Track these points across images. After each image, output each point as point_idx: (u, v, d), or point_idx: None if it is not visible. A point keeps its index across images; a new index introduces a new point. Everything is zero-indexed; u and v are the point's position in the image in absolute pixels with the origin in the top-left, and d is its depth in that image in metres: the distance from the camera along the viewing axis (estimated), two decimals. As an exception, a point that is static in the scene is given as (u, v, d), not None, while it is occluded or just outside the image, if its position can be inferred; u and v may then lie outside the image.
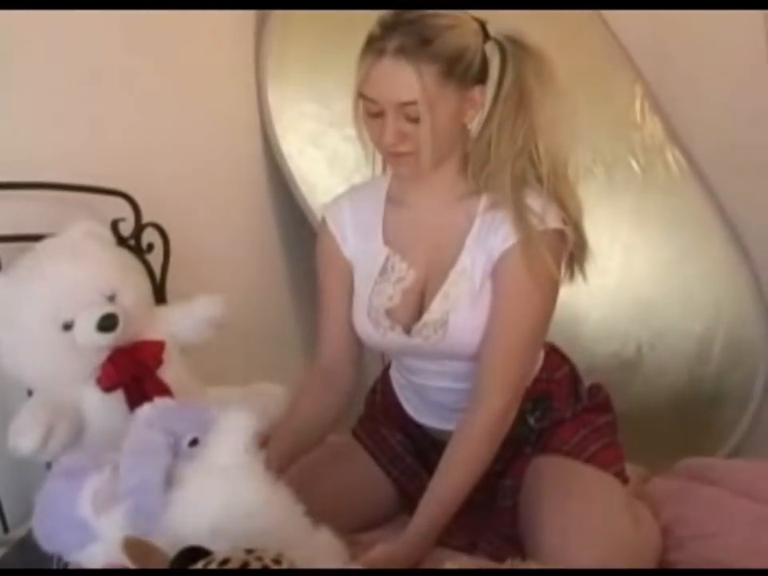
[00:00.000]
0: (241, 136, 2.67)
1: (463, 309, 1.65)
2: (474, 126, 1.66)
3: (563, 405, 1.75)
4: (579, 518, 1.55)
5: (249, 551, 1.15)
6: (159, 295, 2.25)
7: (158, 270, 2.26)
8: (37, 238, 1.96)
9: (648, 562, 1.58)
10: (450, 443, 1.65)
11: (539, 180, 1.62)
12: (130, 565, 1.29)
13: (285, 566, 1.13)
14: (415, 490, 1.81)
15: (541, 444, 1.74)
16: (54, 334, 1.84)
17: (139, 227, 2.20)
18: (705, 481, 1.78)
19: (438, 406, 1.79)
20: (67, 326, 1.84)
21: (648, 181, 2.72)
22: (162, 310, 2.09)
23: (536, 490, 1.64)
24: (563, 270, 1.68)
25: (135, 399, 1.90)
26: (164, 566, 1.24)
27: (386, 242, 1.72)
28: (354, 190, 1.82)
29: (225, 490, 1.43)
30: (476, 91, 1.61)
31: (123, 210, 2.18)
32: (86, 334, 1.84)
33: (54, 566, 1.67)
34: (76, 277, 1.86)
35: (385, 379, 1.92)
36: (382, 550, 1.54)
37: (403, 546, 1.56)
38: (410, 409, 1.85)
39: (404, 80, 1.54)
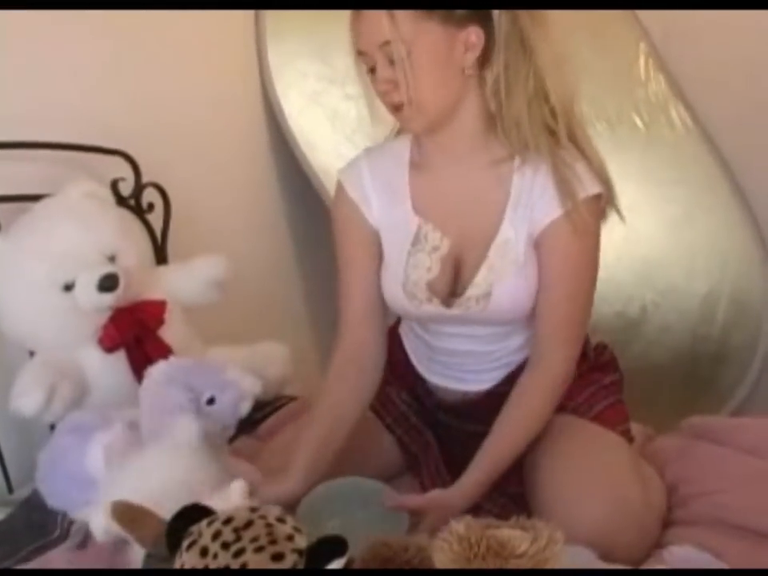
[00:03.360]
0: (241, 95, 2.65)
1: (508, 280, 1.62)
2: (490, 83, 1.59)
3: None
4: (585, 476, 1.54)
5: (253, 509, 1.14)
6: (160, 256, 2.24)
7: (158, 231, 2.25)
8: (35, 198, 1.95)
9: (653, 521, 1.57)
10: (511, 399, 1.64)
11: (554, 123, 1.58)
12: (120, 530, 1.28)
13: (288, 525, 1.12)
14: (419, 450, 1.81)
15: None
16: (55, 295, 1.83)
17: (139, 187, 2.19)
18: (710, 439, 1.77)
19: (452, 366, 1.77)
20: (68, 287, 1.83)
21: (652, 138, 2.70)
22: (163, 270, 2.08)
23: (542, 448, 1.62)
24: None
25: (137, 360, 1.91)
26: (158, 529, 1.23)
27: (416, 210, 1.67)
28: (370, 153, 1.73)
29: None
30: (471, 32, 1.54)
31: (123, 170, 2.16)
32: (87, 295, 1.83)
33: (59, 524, 1.67)
34: (76, 237, 1.85)
35: (392, 337, 1.90)
36: (438, 494, 1.55)
37: (457, 494, 1.56)
38: (420, 367, 1.83)
39: (376, 21, 1.51)
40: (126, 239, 1.93)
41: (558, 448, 1.61)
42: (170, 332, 1.96)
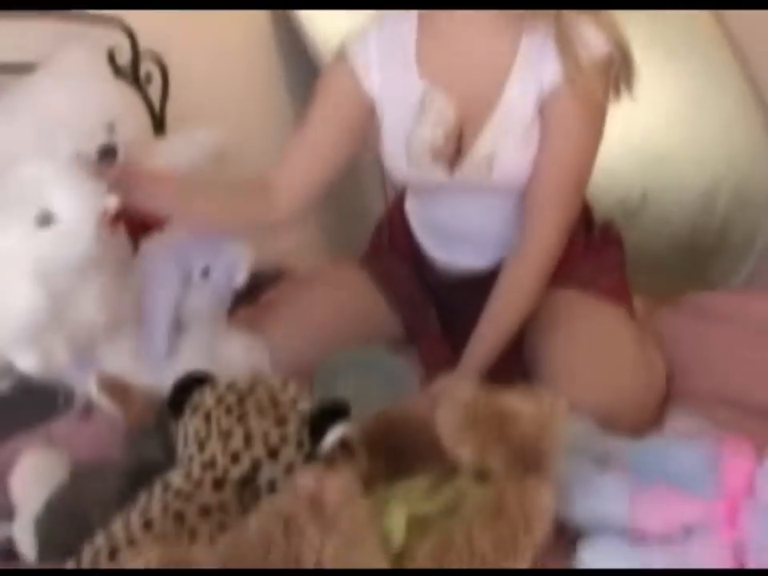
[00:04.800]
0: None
1: (511, 144, 1.59)
2: None
3: (576, 228, 1.71)
4: (588, 359, 1.54)
5: (255, 376, 1.13)
6: (158, 129, 2.20)
7: (156, 104, 2.20)
8: (27, 67, 1.87)
9: (654, 403, 1.57)
10: (499, 282, 1.63)
11: None
12: (107, 404, 1.28)
13: (291, 389, 1.12)
14: (421, 323, 1.81)
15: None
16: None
17: (136, 56, 2.13)
18: (713, 317, 1.77)
19: (454, 239, 1.76)
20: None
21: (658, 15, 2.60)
22: (161, 143, 2.04)
23: (544, 323, 1.62)
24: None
25: (136, 230, 1.88)
26: (142, 405, 1.23)
27: (422, 74, 1.63)
28: (380, 21, 1.68)
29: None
30: None
31: (118, 40, 2.10)
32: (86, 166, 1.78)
33: (60, 402, 1.67)
34: (72, 106, 1.79)
35: (392, 216, 1.88)
36: (443, 382, 1.55)
37: (462, 375, 1.56)
38: (423, 241, 1.82)
39: None
40: (124, 108, 1.87)
41: (560, 325, 1.60)
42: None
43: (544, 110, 1.57)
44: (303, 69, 2.60)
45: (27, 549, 1.23)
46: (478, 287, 1.74)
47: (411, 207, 1.86)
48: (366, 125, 1.68)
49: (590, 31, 1.54)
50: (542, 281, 1.62)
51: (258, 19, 2.59)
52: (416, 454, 1.15)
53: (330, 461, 1.08)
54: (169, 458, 1.23)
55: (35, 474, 1.23)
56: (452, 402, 1.04)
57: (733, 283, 2.65)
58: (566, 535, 1.16)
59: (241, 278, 1.65)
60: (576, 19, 1.54)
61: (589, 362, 1.53)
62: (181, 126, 2.17)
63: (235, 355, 1.62)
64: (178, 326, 1.61)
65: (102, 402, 1.29)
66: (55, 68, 1.84)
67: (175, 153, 1.99)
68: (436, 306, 1.82)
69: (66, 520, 1.20)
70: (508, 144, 1.59)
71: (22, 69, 1.87)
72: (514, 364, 1.63)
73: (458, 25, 1.59)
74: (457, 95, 1.61)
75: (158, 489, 1.09)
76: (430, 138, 1.62)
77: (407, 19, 1.64)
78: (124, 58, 2.11)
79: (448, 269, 1.81)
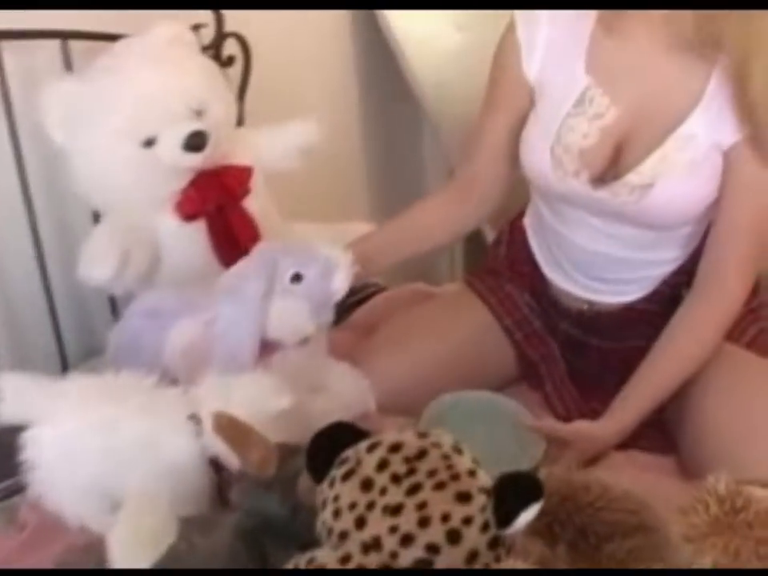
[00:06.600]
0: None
1: (676, 178, 1.41)
2: None
3: None
4: (753, 414, 1.37)
5: (422, 435, 0.93)
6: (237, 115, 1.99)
7: (235, 89, 2.00)
8: (113, 38, 1.69)
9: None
10: (677, 326, 1.46)
11: None
12: (223, 448, 1.08)
13: (467, 457, 0.91)
14: (541, 359, 1.62)
15: None
16: (133, 149, 1.59)
17: (221, 35, 1.93)
18: None
19: (582, 268, 1.57)
20: (149, 142, 1.59)
21: None
22: (251, 133, 1.83)
23: (697, 378, 1.44)
24: None
25: (218, 230, 1.70)
26: (265, 451, 1.03)
27: (589, 70, 1.45)
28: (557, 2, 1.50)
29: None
30: None
31: (201, 17, 1.89)
32: (172, 152, 1.59)
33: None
34: (162, 85, 1.60)
35: (513, 229, 1.68)
36: (587, 425, 1.41)
37: (610, 427, 1.41)
38: (545, 266, 1.63)
39: None
40: (215, 92, 1.68)
41: (718, 380, 1.42)
42: (254, 202, 1.74)
43: (727, 161, 1.41)
44: (383, 63, 2.43)
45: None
46: (604, 324, 1.58)
47: (532, 224, 1.65)
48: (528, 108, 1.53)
49: None
50: (724, 327, 1.46)
51: (342, 15, 2.41)
52: (603, 531, 0.95)
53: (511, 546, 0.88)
54: (292, 517, 1.04)
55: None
56: (703, 495, 0.83)
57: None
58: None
59: (340, 285, 1.43)
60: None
61: (754, 424, 1.36)
62: (258, 115, 1.98)
63: (340, 388, 1.43)
64: (267, 347, 1.40)
65: (218, 445, 1.09)
66: (144, 41, 1.66)
67: (266, 144, 1.80)
68: (559, 339, 1.62)
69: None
70: (673, 177, 1.41)
71: (106, 38, 1.70)
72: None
73: (649, 29, 1.40)
74: (625, 105, 1.43)
75: (302, 565, 0.89)
76: (584, 133, 1.44)
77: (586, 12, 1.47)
78: (207, 37, 1.91)
79: (569, 299, 1.61)
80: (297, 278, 1.40)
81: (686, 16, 1.33)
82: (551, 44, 1.47)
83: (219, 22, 1.93)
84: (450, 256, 2.67)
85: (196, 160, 1.61)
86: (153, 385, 1.21)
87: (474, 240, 2.26)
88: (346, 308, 1.76)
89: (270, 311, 1.37)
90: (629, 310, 1.56)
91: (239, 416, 1.10)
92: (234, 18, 1.95)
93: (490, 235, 2.05)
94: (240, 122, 1.99)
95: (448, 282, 2.46)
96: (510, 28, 1.51)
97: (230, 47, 1.97)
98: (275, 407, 1.17)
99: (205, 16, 1.91)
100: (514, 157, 1.55)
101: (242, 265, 1.42)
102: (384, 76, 2.47)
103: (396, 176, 2.65)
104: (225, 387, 1.19)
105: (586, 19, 1.45)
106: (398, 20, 2.35)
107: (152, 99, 1.58)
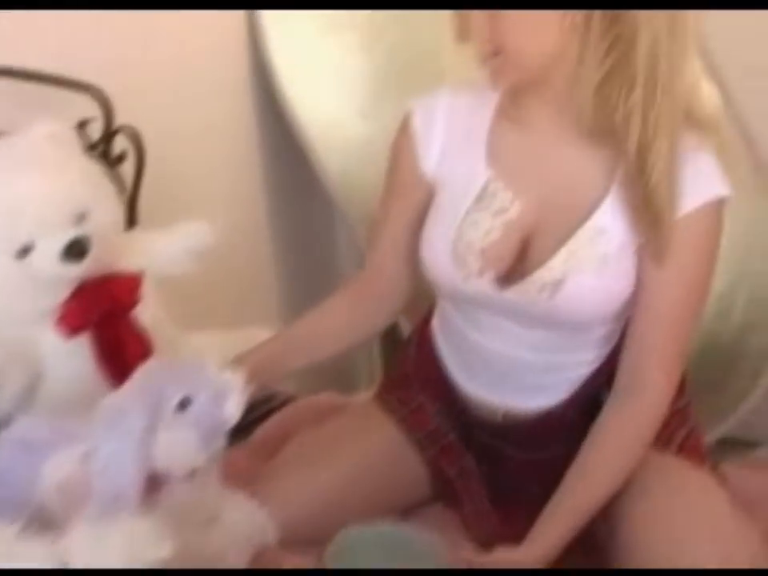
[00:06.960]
0: (227, 36, 2.30)
1: (588, 272, 1.34)
2: None
3: None
4: (688, 534, 1.29)
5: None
6: (129, 216, 1.87)
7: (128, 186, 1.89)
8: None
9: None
10: (596, 436, 1.37)
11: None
12: None
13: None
14: (456, 475, 1.51)
15: None
16: (6, 260, 1.47)
17: (110, 131, 1.82)
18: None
19: (494, 375, 1.47)
20: (24, 251, 1.46)
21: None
22: (142, 236, 1.72)
23: (628, 493, 1.35)
24: None
25: (104, 345, 1.56)
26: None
27: (490, 163, 1.39)
28: (455, 89, 1.46)
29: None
30: None
31: (90, 110, 1.80)
32: (48, 263, 1.46)
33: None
34: (37, 189, 1.48)
35: (423, 328, 1.59)
36: (508, 554, 1.30)
37: (531, 554, 1.30)
38: (455, 372, 1.53)
39: None
40: (98, 195, 1.56)
41: (650, 497, 1.33)
42: (145, 312, 1.61)
43: (638, 256, 1.36)
44: (287, 153, 2.39)
45: None
46: (522, 434, 1.48)
47: (443, 324, 1.56)
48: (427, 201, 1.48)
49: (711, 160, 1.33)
50: (652, 431, 1.38)
51: (243, 102, 2.37)
52: None
53: None
54: None
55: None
56: None
57: (754, 394, 2.42)
58: None
59: (232, 411, 1.31)
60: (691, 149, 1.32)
61: (694, 531, 1.29)
62: (153, 215, 1.88)
63: (236, 520, 1.30)
64: (153, 482, 1.26)
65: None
66: (19, 141, 1.55)
67: (156, 249, 1.68)
68: (475, 451, 1.52)
69: None
70: (584, 273, 1.34)
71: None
72: None
73: (550, 118, 1.36)
74: (528, 199, 1.37)
75: None
76: (483, 235, 1.37)
77: (486, 97, 1.42)
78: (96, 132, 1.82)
79: (482, 408, 1.51)
80: (184, 404, 1.28)
81: (585, 104, 1.29)
82: (450, 135, 1.42)
83: (108, 115, 1.82)
84: (367, 353, 2.57)
85: (76, 270, 1.49)
86: (14, 535, 1.07)
87: (390, 336, 2.17)
88: (246, 424, 1.64)
89: (155, 442, 1.24)
90: (547, 415, 1.47)
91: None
92: (125, 111, 1.85)
93: (406, 329, 1.96)
94: (133, 222, 1.89)
95: (367, 381, 2.37)
96: (407, 117, 1.46)
97: (122, 142, 1.87)
98: (154, 556, 1.05)
99: (93, 109, 1.80)
100: (416, 251, 1.48)
101: (123, 392, 1.29)
102: (289, 166, 2.41)
103: (307, 271, 2.58)
104: (97, 538, 1.05)
105: (485, 109, 1.41)
106: (302, 108, 2.30)
107: (25, 205, 1.46)
